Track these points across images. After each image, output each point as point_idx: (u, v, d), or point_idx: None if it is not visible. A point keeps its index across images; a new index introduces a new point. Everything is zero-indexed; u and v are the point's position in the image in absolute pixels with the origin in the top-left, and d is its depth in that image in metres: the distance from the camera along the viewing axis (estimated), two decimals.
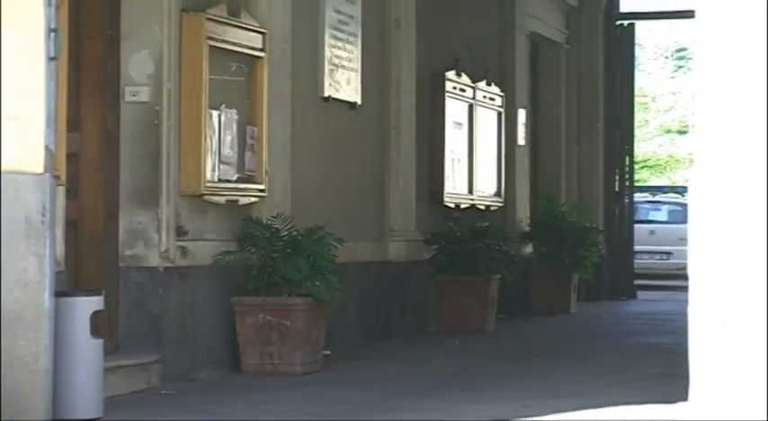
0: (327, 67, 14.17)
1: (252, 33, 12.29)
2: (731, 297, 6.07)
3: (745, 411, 5.92)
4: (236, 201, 12.10)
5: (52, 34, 7.68)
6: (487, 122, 19.33)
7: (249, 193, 12.27)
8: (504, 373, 12.52)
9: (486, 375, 12.36)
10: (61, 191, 9.27)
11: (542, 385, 11.34)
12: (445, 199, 17.67)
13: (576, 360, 14.11)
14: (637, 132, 26.38)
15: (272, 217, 12.23)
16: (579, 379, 11.95)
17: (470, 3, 18.56)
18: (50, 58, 7.63)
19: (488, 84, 19.15)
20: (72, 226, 10.23)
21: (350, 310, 13.21)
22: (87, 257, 10.56)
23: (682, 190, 29.30)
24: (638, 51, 26.58)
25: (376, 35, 15.27)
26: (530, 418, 9.22)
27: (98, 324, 9.27)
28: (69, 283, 9.75)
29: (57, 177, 8.15)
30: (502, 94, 19.65)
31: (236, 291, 11.78)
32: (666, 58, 52.61)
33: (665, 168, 46.18)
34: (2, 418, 7.17)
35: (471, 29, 18.63)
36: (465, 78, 18.32)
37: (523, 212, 20.38)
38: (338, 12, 14.41)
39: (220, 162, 11.89)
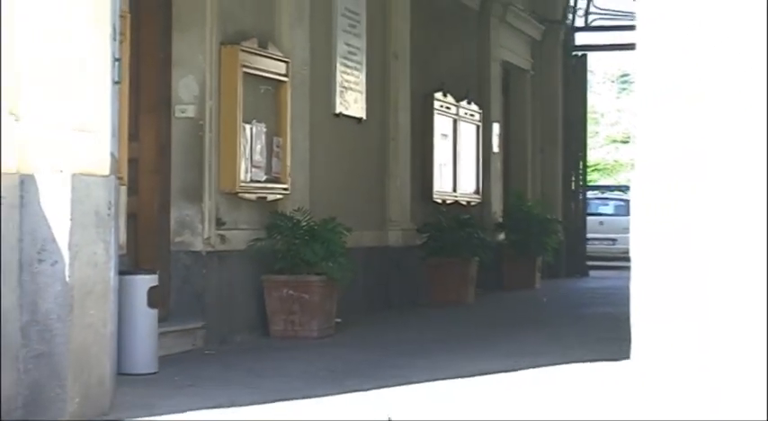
0: (339, 90, 14.20)
1: (277, 62, 12.31)
2: (665, 275, 6.07)
3: (674, 365, 5.94)
4: (265, 197, 12.12)
5: (116, 63, 7.68)
6: (468, 134, 19.35)
7: (275, 191, 12.29)
8: (481, 337, 12.54)
9: (467, 339, 12.38)
10: (123, 189, 9.30)
11: (511, 347, 11.34)
12: (434, 196, 17.70)
13: (539, 326, 14.13)
14: (588, 142, 26.35)
15: (294, 210, 12.26)
16: (541, 341, 11.98)
17: (454, 37, 18.56)
18: (115, 82, 7.63)
19: (469, 102, 19.16)
20: (132, 218, 10.25)
21: (357, 286, 13.21)
22: (144, 243, 10.58)
23: (625, 189, 29.28)
24: (589, 76, 26.55)
25: (378, 63, 15.29)
26: (500, 373, 9.23)
27: (153, 297, 9.32)
28: (130, 264, 9.78)
29: (120, 178, 8.16)
30: (480, 110, 19.66)
31: (264, 271, 11.80)
32: (612, 82, 52.65)
33: (612, 171, 46.19)
34: (75, 377, 7.17)
35: (455, 58, 18.64)
36: (450, 98, 18.34)
37: (497, 207, 20.39)
38: (348, 44, 14.43)
39: (252, 166, 11.91)
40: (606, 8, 23.01)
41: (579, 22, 23.58)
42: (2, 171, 6.93)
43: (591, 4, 23.39)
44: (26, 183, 7.04)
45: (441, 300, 16.03)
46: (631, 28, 6.59)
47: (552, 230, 20.65)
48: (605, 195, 30.63)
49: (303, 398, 7.94)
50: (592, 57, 25.81)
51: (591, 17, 23.46)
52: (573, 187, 23.68)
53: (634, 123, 6.47)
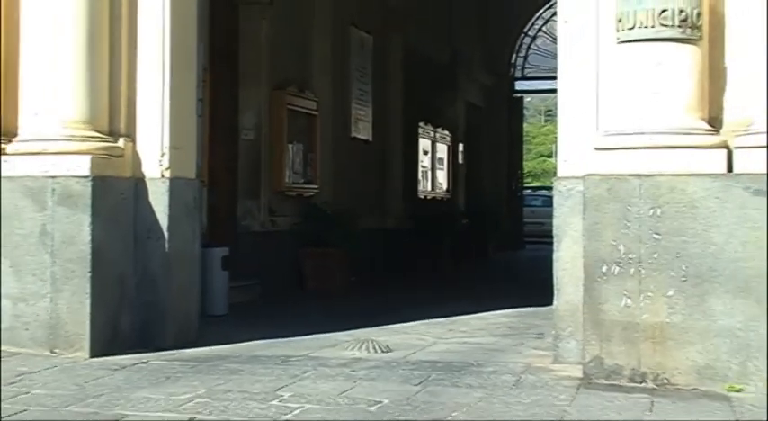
0: (353, 120, 14.29)
1: (310, 101, 12.38)
2: (576, 249, 6.10)
3: (578, 304, 5.97)
4: (302, 194, 12.17)
5: (199, 102, 7.71)
6: (442, 150, 19.39)
7: (309, 190, 12.35)
8: (450, 293, 12.60)
9: (440, 293, 12.43)
10: (205, 189, 9.30)
11: (471, 298, 11.36)
12: (418, 194, 17.74)
13: (490, 283, 14.16)
14: (524, 156, 26.36)
15: (322, 203, 12.31)
16: (491, 294, 11.97)
17: (433, 83, 18.54)
18: (198, 115, 7.66)
19: (443, 129, 19.19)
20: (211, 208, 10.24)
21: (365, 256, 13.23)
22: (219, 225, 10.59)
23: (549, 188, 29.21)
24: (524, 111, 26.62)
25: (379, 101, 15.30)
26: (463, 316, 9.24)
27: (225, 263, 9.37)
28: (209, 240, 9.77)
29: (202, 181, 8.18)
30: (450, 134, 19.69)
31: (302, 245, 11.82)
32: (540, 114, 52.73)
33: (540, 177, 46.18)
34: (173, 317, 7.17)
35: (433, 98, 18.64)
36: (429, 126, 18.38)
37: (462, 201, 20.42)
38: (359, 89, 14.51)
39: (293, 172, 11.99)
40: (537, 64, 23.00)
41: (518, 74, 23.60)
42: (121, 176, 6.98)
43: (526, 62, 23.43)
44: (139, 184, 7.08)
45: (423, 266, 16.01)
46: (554, 78, 6.61)
47: (499, 217, 20.67)
48: (536, 193, 30.55)
49: (325, 332, 7.97)
50: (527, 98, 25.84)
51: (526, 70, 23.49)
52: (513, 187, 23.67)
53: (555, 143, 6.50)
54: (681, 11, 5.75)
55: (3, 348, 6.73)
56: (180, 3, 7.23)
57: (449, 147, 19.78)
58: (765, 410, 5.14)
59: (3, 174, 6.86)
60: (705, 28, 5.83)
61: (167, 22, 7.11)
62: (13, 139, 7.05)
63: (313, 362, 6.56)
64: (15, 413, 5.00)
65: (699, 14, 5.78)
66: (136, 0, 7.11)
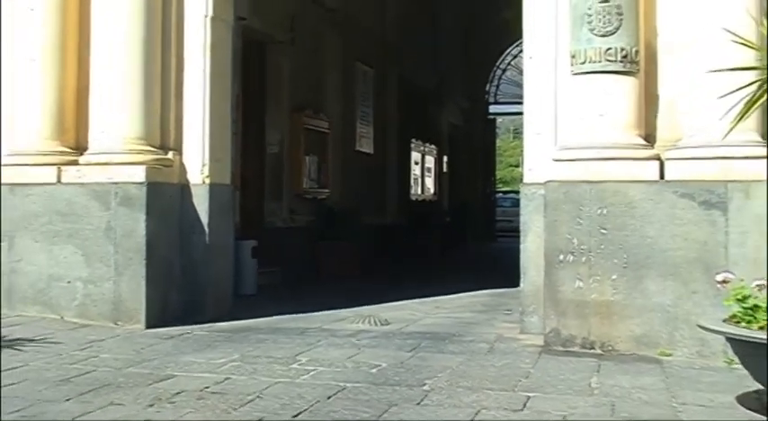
0: (358, 136, 14.28)
1: (323, 121, 12.37)
2: (538, 242, 6.13)
3: (540, 286, 5.99)
4: (317, 196, 12.16)
5: (233, 122, 7.73)
6: (430, 161, 19.42)
7: (322, 193, 12.34)
8: (437, 277, 12.57)
9: (429, 278, 12.39)
10: (237, 193, 9.31)
11: (453, 281, 11.34)
12: (411, 196, 17.76)
13: (469, 269, 14.14)
14: (496, 166, 26.34)
15: (333, 204, 12.30)
16: (470, 278, 11.96)
17: (422, 106, 18.53)
18: (233, 133, 7.68)
19: (430, 144, 19.21)
20: (242, 208, 10.21)
21: (367, 247, 13.22)
22: (249, 222, 10.55)
23: (516, 192, 29.10)
24: (497, 130, 26.57)
25: (379, 120, 15.30)
26: (447, 296, 9.25)
27: (254, 252, 9.35)
28: (241, 233, 9.76)
29: (235, 186, 8.18)
30: (436, 148, 19.71)
31: (317, 239, 11.81)
32: (510, 132, 52.71)
33: (509, 183, 46.10)
34: (211, 295, 7.19)
35: (423, 118, 18.63)
36: (419, 141, 18.40)
37: (446, 202, 20.43)
38: (362, 111, 14.52)
39: (309, 179, 11.98)
40: (506, 92, 23.03)
41: (491, 99, 23.64)
42: (170, 182, 6.99)
43: (498, 90, 23.49)
44: (184, 189, 7.11)
45: (416, 256, 15.98)
46: (520, 103, 6.66)
47: (475, 216, 20.67)
48: (506, 196, 30.47)
49: (335, 309, 7.98)
50: (498, 119, 25.84)
51: (498, 96, 23.54)
52: (487, 191, 23.68)
53: (522, 156, 6.53)
54: (622, 49, 5.81)
55: (76, 321, 6.78)
56: (218, 41, 7.27)
57: (435, 158, 19.81)
58: (689, 370, 5.20)
59: (76, 182, 6.94)
60: (642, 62, 5.89)
61: (208, 58, 7.16)
62: (84, 153, 7.12)
63: (325, 333, 6.58)
64: (87, 372, 5.05)
65: (636, 52, 5.84)
66: (182, 40, 7.17)
